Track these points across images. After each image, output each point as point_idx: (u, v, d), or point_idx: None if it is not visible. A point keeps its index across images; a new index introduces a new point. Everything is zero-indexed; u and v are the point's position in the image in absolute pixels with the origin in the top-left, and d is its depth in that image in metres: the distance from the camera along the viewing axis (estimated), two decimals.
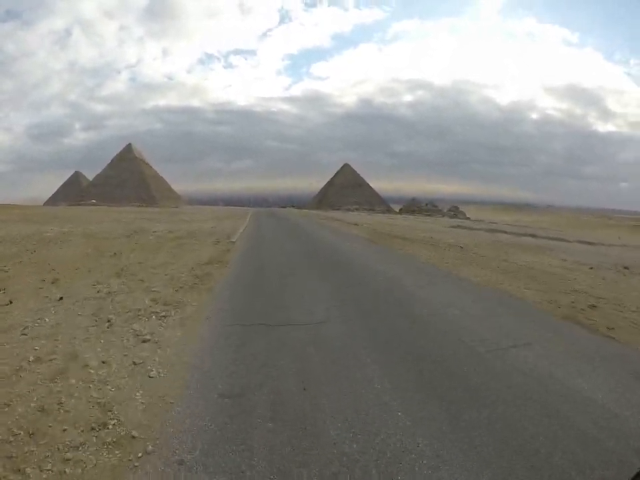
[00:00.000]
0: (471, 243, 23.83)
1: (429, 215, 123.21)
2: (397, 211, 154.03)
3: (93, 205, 67.25)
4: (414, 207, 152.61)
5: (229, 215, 44.57)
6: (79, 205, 65.30)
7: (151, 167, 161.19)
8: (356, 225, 37.51)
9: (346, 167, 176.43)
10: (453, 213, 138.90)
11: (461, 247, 21.08)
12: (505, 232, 40.04)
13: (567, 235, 43.75)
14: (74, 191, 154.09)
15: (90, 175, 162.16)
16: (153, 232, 21.54)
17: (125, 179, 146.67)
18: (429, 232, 33.32)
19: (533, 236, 38.01)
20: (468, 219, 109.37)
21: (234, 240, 20.08)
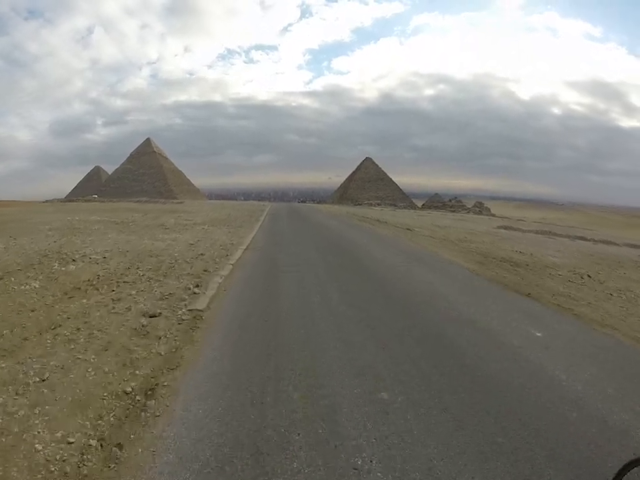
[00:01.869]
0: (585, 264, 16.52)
1: (453, 211, 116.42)
2: (420, 206, 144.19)
3: (94, 200, 58.40)
4: (437, 202, 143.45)
5: (237, 214, 34.76)
6: (75, 200, 56.32)
7: (169, 161, 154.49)
8: (410, 230, 26.73)
9: (367, 160, 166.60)
10: (477, 209, 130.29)
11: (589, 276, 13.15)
12: (585, 238, 31.79)
13: (614, 238, 37.07)
14: (94, 185, 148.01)
15: (111, 170, 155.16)
16: (73, 260, 11.55)
17: (143, 172, 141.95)
18: (502, 241, 23.71)
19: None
20: (493, 215, 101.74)
21: (212, 291, 9.26)
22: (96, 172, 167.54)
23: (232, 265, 12.08)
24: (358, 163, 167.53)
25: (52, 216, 28.76)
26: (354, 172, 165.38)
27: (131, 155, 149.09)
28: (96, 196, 65.34)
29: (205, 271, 11.04)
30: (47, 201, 54.37)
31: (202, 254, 13.50)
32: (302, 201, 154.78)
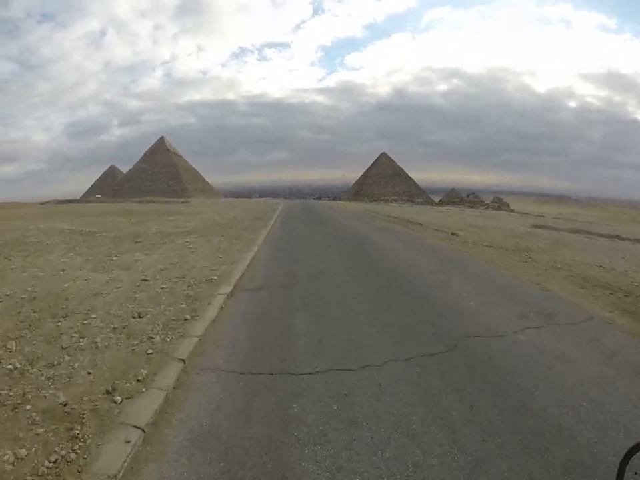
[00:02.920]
0: None
1: (471, 207, 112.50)
2: (437, 202, 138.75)
3: (97, 200, 53.08)
4: (454, 197, 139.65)
5: (243, 216, 28.54)
6: (77, 201, 51.06)
7: (183, 159, 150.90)
8: (455, 235, 20.67)
9: (383, 156, 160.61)
10: (497, 204, 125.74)
11: None
12: (621, 237, 29.38)
13: None
14: (109, 185, 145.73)
15: (126, 169, 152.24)
16: None
17: (157, 171, 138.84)
18: (562, 247, 19.06)
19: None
20: (513, 211, 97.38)
21: None
22: (111, 171, 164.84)
23: (180, 362, 5.00)
24: (371, 159, 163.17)
25: (17, 223, 23.13)
26: (369, 168, 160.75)
27: (145, 154, 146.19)
28: (99, 196, 59.82)
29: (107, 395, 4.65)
30: (43, 203, 48.83)
31: (140, 315, 6.60)
32: (317, 198, 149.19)
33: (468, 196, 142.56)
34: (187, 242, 15.58)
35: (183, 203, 46.79)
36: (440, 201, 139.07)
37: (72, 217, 28.40)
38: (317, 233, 20.24)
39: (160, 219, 26.15)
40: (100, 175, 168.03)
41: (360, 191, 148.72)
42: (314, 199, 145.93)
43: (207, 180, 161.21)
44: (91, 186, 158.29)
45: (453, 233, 21.48)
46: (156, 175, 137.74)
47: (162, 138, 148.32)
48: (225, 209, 37.73)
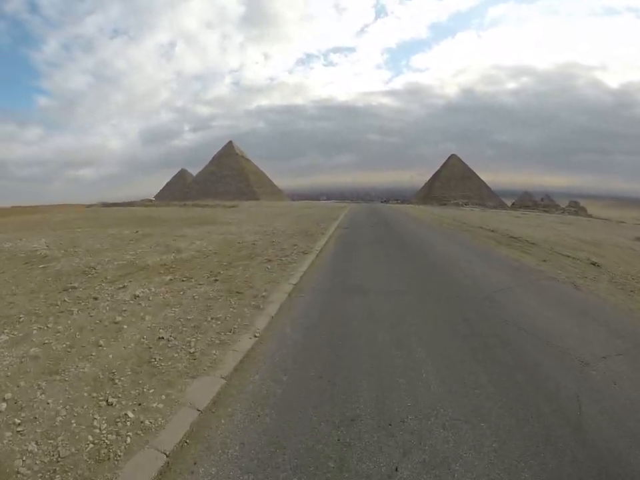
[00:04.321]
0: None
1: (546, 211, 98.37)
2: (509, 205, 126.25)
3: (149, 204, 46.77)
4: (527, 201, 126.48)
5: (289, 228, 19.59)
6: (126, 204, 44.91)
7: (251, 162, 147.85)
8: (595, 265, 11.63)
9: (453, 157, 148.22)
10: (573, 209, 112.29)
11: None
12: None
13: None
14: (179, 188, 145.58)
15: (196, 172, 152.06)
16: None
17: (226, 174, 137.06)
18: None
19: None
20: (590, 216, 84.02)
21: None
22: (181, 174, 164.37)
23: None
24: (439, 161, 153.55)
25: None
26: (439, 170, 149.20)
27: (213, 157, 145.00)
28: (153, 199, 53.97)
29: None
30: (89, 206, 43.08)
31: None
32: (384, 201, 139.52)
33: (542, 199, 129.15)
34: (132, 300, 7.11)
35: (230, 207, 38.98)
36: (512, 204, 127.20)
37: (67, 227, 21.23)
38: (394, 270, 10.50)
39: (173, 232, 18.11)
40: (171, 177, 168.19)
41: (429, 193, 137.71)
42: (381, 202, 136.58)
43: (276, 183, 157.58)
44: (162, 188, 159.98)
45: (593, 263, 12.44)
46: (225, 177, 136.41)
47: (230, 142, 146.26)
48: (273, 215, 29.30)
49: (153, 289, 7.99)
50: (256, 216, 28.23)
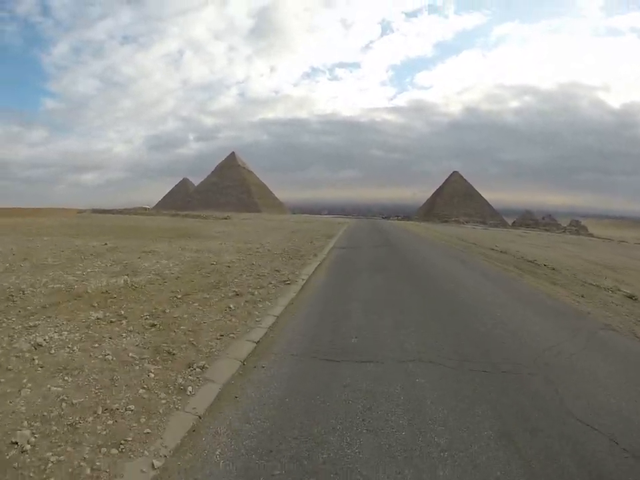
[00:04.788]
0: None
1: (547, 230, 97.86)
2: (510, 224, 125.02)
3: (143, 212, 44.39)
4: (529, 219, 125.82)
5: (277, 247, 16.62)
6: (116, 212, 42.52)
7: (254, 174, 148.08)
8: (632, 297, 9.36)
9: (455, 174, 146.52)
10: (574, 228, 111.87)
11: None
12: None
13: None
14: (181, 197, 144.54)
15: (198, 182, 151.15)
16: None
17: (227, 185, 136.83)
18: None
19: None
20: (592, 235, 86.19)
21: None
22: (183, 184, 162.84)
23: None
24: (442, 178, 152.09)
25: None
26: (441, 187, 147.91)
27: (216, 168, 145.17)
28: (148, 207, 51.78)
29: None
30: (81, 211, 40.76)
31: None
32: (385, 217, 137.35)
33: (543, 218, 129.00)
34: (29, 352, 4.65)
35: (223, 219, 36.49)
36: (513, 222, 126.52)
37: (38, 234, 18.96)
38: (404, 319, 7.42)
39: (145, 246, 15.61)
40: (174, 185, 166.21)
41: (431, 210, 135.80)
42: (382, 217, 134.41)
43: (279, 195, 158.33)
44: (164, 196, 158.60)
45: (630, 296, 10.59)
46: (226, 189, 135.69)
47: (233, 153, 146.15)
48: (266, 230, 26.69)
49: (66, 335, 5.52)
50: (247, 230, 25.68)
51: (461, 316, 7.45)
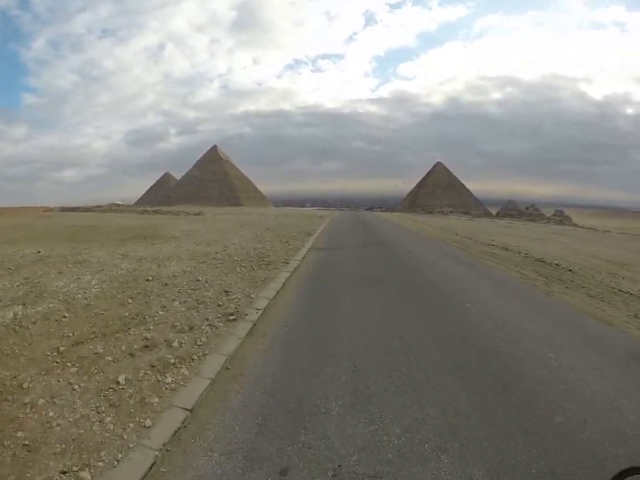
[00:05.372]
0: None
1: (531, 220, 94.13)
2: (494, 214, 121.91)
3: (116, 208, 40.74)
4: (512, 210, 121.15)
5: (253, 250, 13.17)
6: (84, 209, 38.75)
7: (236, 168, 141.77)
8: None
9: (438, 165, 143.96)
10: (558, 218, 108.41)
11: None
12: None
13: None
14: (163, 191, 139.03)
15: (180, 176, 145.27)
16: None
17: (209, 179, 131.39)
18: None
19: None
20: (576, 225, 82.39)
21: None
22: (165, 178, 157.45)
23: None
24: (425, 170, 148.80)
25: None
26: (424, 177, 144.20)
27: (197, 162, 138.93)
28: (120, 203, 48.04)
29: None
30: (46, 210, 37.05)
31: None
32: (368, 209, 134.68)
33: (527, 208, 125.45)
34: None
35: (195, 215, 33.04)
36: (497, 213, 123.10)
37: None
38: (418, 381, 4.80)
39: (81, 254, 12.38)
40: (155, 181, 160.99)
41: (414, 201, 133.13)
42: (366, 209, 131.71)
43: (262, 188, 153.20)
44: (146, 191, 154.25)
45: None
46: (208, 182, 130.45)
47: (215, 147, 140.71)
48: (238, 226, 23.28)
49: None
50: (216, 228, 22.33)
51: (503, 377, 4.44)
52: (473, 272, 11.71)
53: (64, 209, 38.76)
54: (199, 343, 5.27)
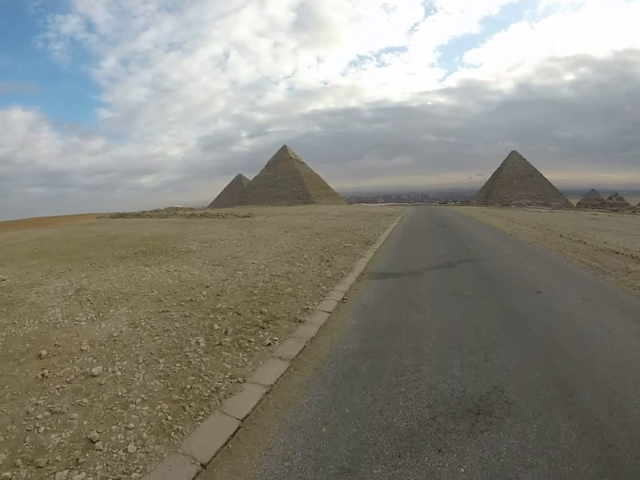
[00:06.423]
0: None
1: (615, 211, 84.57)
2: (575, 205, 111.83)
3: (174, 212, 38.06)
4: (594, 200, 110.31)
5: (278, 277, 8.80)
6: (135, 215, 36.40)
7: (306, 166, 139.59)
8: None
9: (514, 155, 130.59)
10: None
11: None
12: None
13: None
14: (236, 192, 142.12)
15: (253, 177, 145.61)
16: None
17: (281, 178, 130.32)
18: None
19: None
20: None
21: None
22: (238, 180, 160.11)
23: None
24: (499, 160, 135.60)
25: None
26: (499, 168, 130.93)
27: (268, 162, 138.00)
28: (180, 206, 45.64)
29: None
30: (99, 217, 35.23)
31: None
32: (442, 202, 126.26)
33: (610, 198, 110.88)
34: None
35: (245, 217, 28.78)
36: (578, 203, 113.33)
37: None
38: None
39: (42, 284, 8.15)
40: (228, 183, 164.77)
41: (490, 193, 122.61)
42: (439, 203, 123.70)
43: (335, 186, 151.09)
44: (220, 194, 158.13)
45: None
46: (280, 182, 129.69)
47: (284, 147, 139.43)
48: (279, 235, 18.07)
49: None
50: (254, 234, 17.47)
51: None
52: None
53: (116, 215, 36.52)
54: None
